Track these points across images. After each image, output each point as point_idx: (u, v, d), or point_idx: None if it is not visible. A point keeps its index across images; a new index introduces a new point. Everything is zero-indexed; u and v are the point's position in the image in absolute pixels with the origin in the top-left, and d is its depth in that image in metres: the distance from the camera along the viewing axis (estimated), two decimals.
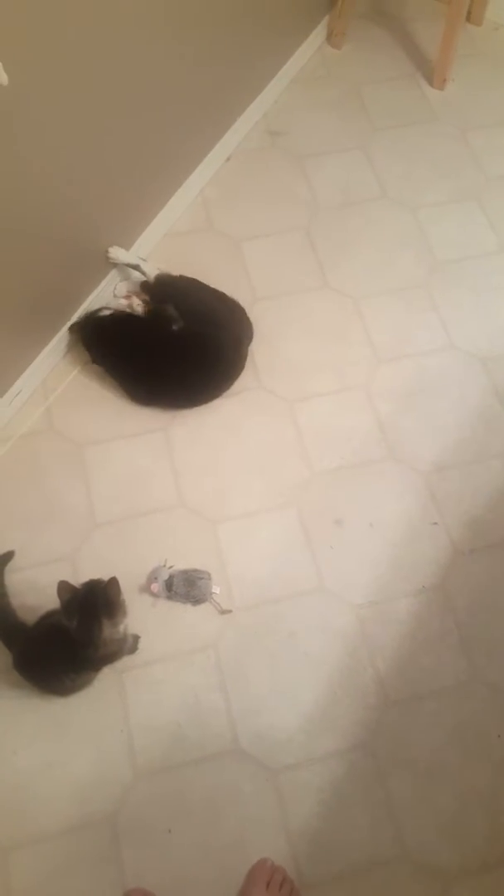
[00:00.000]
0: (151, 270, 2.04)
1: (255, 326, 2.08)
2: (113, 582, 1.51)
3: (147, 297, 2.02)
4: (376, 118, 2.47)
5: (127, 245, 2.10)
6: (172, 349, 1.93)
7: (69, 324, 1.99)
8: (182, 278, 2.05)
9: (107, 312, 1.98)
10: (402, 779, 1.65)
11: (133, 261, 2.05)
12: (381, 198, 2.33)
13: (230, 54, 2.12)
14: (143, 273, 2.04)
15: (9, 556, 1.78)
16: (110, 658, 1.59)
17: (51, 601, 1.68)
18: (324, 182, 2.34)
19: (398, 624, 1.78)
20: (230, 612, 1.77)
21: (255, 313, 2.10)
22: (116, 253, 2.02)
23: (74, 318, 2.00)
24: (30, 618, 1.67)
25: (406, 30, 2.67)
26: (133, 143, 1.88)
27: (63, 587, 1.49)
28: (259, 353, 2.06)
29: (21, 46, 1.35)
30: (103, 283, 2.07)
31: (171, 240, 2.23)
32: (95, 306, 2.05)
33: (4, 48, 1.27)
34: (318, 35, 2.55)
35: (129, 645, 1.66)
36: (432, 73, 2.52)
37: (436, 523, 1.89)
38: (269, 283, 2.18)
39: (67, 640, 1.51)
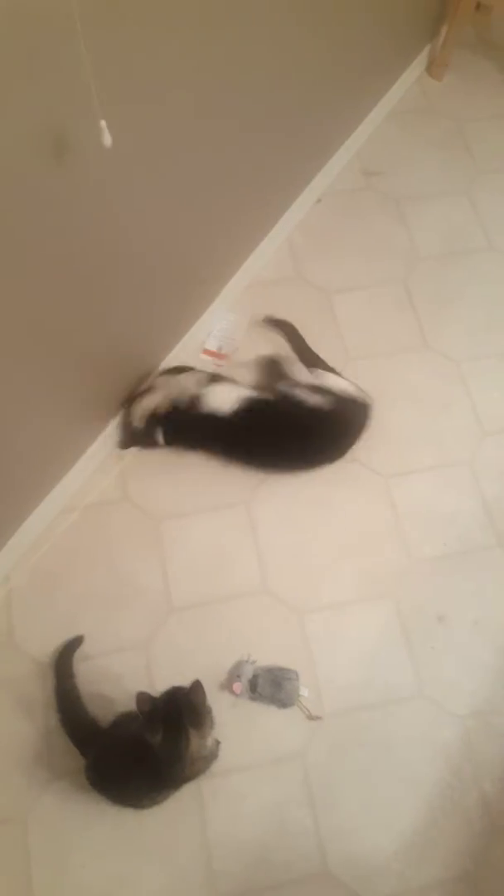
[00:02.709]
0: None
1: None
2: (197, 686, 1.36)
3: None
4: (481, 159, 2.27)
5: (211, 297, 1.95)
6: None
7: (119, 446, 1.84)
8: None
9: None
10: None
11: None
12: (486, 249, 2.14)
13: (327, 89, 1.94)
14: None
15: (78, 641, 1.65)
16: (195, 776, 1.45)
17: (123, 693, 1.57)
18: (423, 229, 2.16)
19: None
20: (320, 718, 1.61)
21: (347, 375, 1.92)
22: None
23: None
24: (101, 710, 1.55)
25: None
26: (226, 193, 1.74)
27: (143, 699, 1.34)
28: None
29: (124, 107, 1.21)
30: (185, 338, 1.93)
31: (256, 290, 2.06)
32: (175, 362, 1.92)
33: (111, 109, 1.12)
34: (418, 65, 2.36)
35: (212, 755, 1.51)
36: None
37: None
38: (363, 342, 2.00)
39: (147, 755, 1.36)
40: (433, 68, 2.38)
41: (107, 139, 1.14)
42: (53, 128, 1.14)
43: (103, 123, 1.12)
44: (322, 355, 1.93)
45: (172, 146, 1.45)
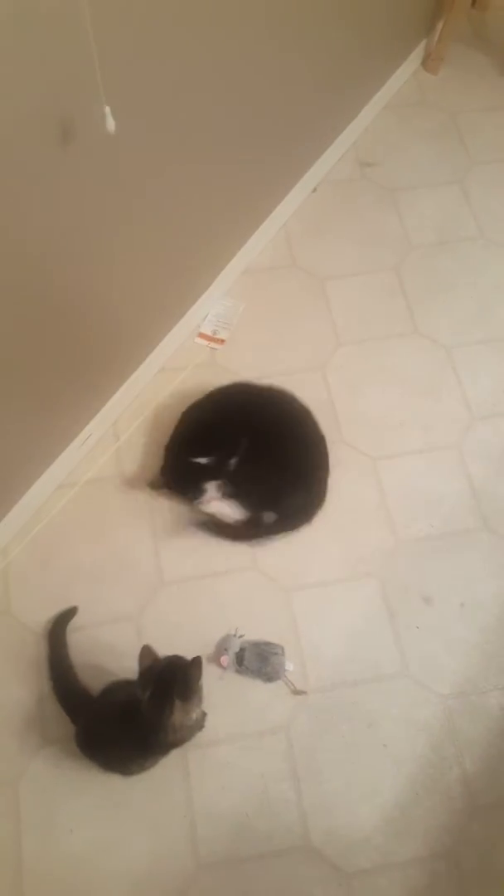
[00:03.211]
0: None
1: (338, 373, 1.96)
2: (197, 662, 1.36)
3: None
4: (474, 151, 2.30)
5: (208, 282, 1.99)
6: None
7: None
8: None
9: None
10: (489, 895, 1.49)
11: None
12: (478, 238, 2.16)
13: (325, 82, 1.98)
14: None
15: (71, 612, 1.69)
16: (180, 743, 1.47)
17: (113, 662, 1.60)
18: (416, 219, 2.19)
19: (489, 719, 1.62)
20: (304, 693, 1.63)
21: (337, 359, 1.97)
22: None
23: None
24: (91, 679, 1.58)
25: None
26: (225, 181, 1.78)
27: (145, 653, 1.37)
28: (341, 403, 1.92)
29: (128, 94, 1.25)
30: (181, 321, 1.96)
31: (251, 276, 2.10)
32: (170, 349, 1.96)
33: (114, 94, 1.16)
34: (414, 59, 2.40)
35: (198, 725, 1.54)
36: None
37: None
38: (354, 327, 2.03)
39: (135, 722, 1.38)
40: (429, 62, 2.41)
41: (110, 125, 1.18)
42: (59, 112, 1.17)
43: (107, 109, 1.16)
44: (314, 340, 1.97)
45: (173, 133, 1.49)
